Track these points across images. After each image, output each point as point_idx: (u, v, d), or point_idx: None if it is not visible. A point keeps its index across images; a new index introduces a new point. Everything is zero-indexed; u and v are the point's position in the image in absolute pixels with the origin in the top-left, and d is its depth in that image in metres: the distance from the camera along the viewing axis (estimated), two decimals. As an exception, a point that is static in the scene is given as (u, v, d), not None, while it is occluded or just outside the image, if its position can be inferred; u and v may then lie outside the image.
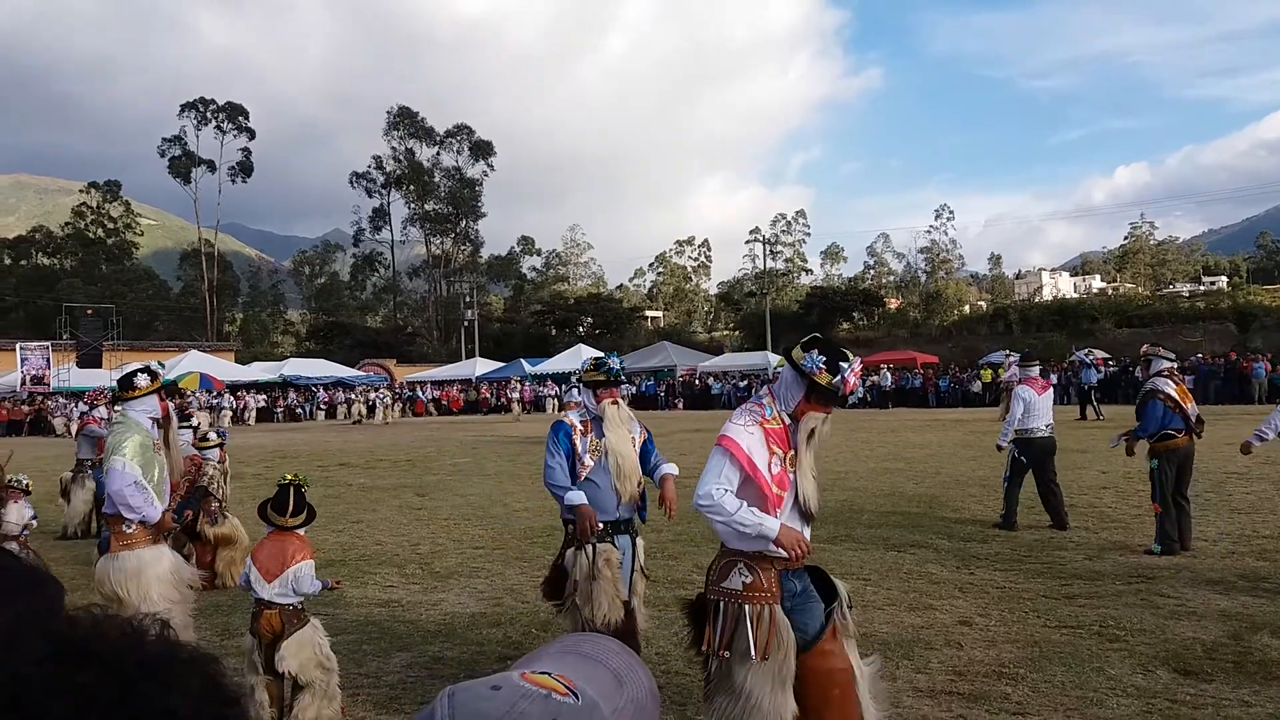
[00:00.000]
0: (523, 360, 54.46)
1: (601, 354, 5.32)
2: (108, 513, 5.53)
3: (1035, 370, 10.46)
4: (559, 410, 36.54)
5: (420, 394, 49.76)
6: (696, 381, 46.90)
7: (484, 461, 19.22)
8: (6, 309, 69.46)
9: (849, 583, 7.41)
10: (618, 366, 5.20)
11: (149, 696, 0.63)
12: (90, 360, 49.08)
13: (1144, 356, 9.32)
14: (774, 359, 47.67)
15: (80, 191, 79.98)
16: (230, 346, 65.70)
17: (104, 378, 46.09)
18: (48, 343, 47.64)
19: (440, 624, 6.66)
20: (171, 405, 6.27)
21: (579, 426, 5.08)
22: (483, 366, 55.26)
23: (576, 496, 4.96)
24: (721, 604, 3.73)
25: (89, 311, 53.36)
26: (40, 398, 42.11)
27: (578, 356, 52.67)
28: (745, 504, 3.61)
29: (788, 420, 3.79)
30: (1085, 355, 31.51)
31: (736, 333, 73.37)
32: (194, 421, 10.98)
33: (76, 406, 41.12)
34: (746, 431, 3.72)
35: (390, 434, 31.07)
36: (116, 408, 6.09)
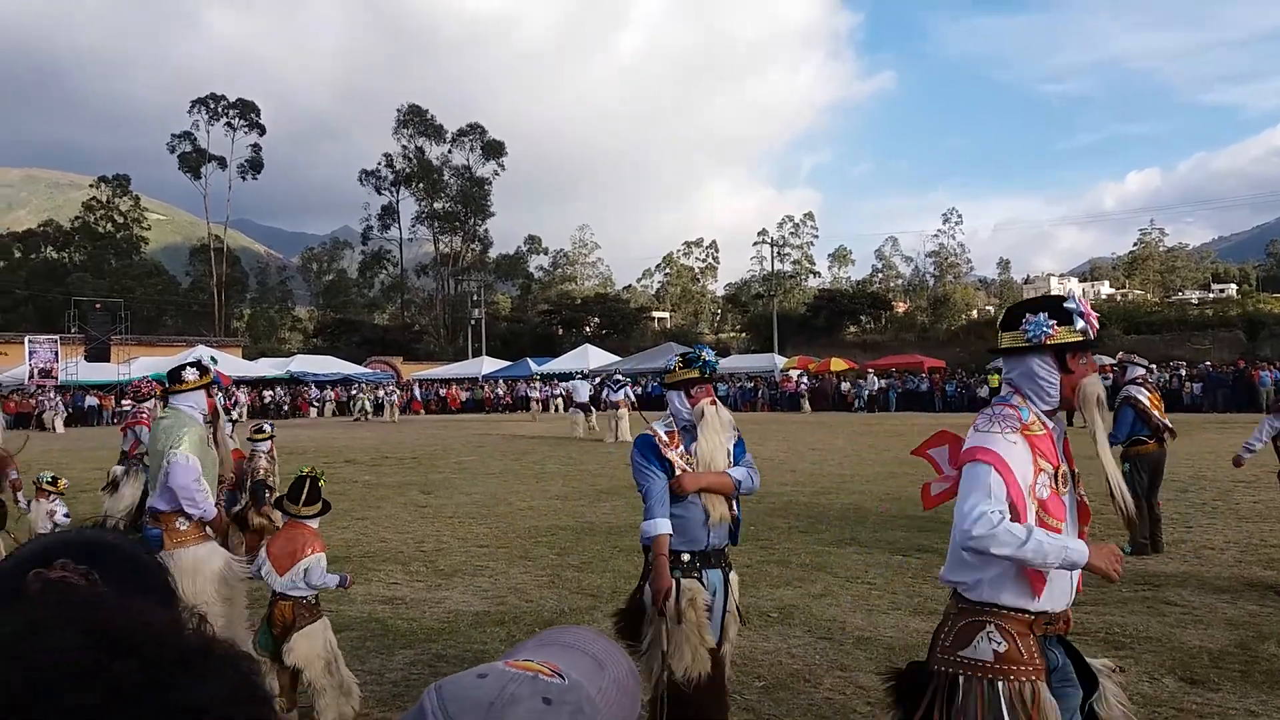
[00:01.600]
0: (529, 360, 54.51)
1: (688, 349, 4.46)
2: (160, 509, 5.33)
3: None
4: (568, 410, 36.79)
5: (417, 392, 49.48)
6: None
7: (489, 460, 19.23)
8: (16, 302, 69.73)
9: (855, 587, 7.42)
10: (713, 360, 4.35)
11: (181, 689, 0.64)
12: (98, 354, 49.24)
13: (1119, 363, 9.61)
14: (780, 361, 47.68)
15: (90, 186, 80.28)
16: (238, 342, 65.86)
17: (112, 371, 46.41)
18: (56, 336, 47.77)
19: (444, 622, 6.66)
20: (219, 401, 6.28)
21: (665, 438, 4.19)
22: (489, 365, 55.33)
23: (655, 526, 4.04)
24: (961, 679, 2.82)
25: (97, 305, 53.52)
26: (38, 391, 42.06)
27: (584, 357, 52.78)
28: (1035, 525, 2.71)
29: (1050, 424, 2.95)
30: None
31: (743, 335, 73.36)
32: (233, 416, 11.05)
33: (124, 404, 41.09)
34: (1007, 441, 2.80)
35: (396, 432, 31.11)
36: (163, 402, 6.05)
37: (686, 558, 4.09)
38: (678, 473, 4.11)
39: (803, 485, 13.92)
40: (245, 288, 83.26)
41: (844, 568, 8.15)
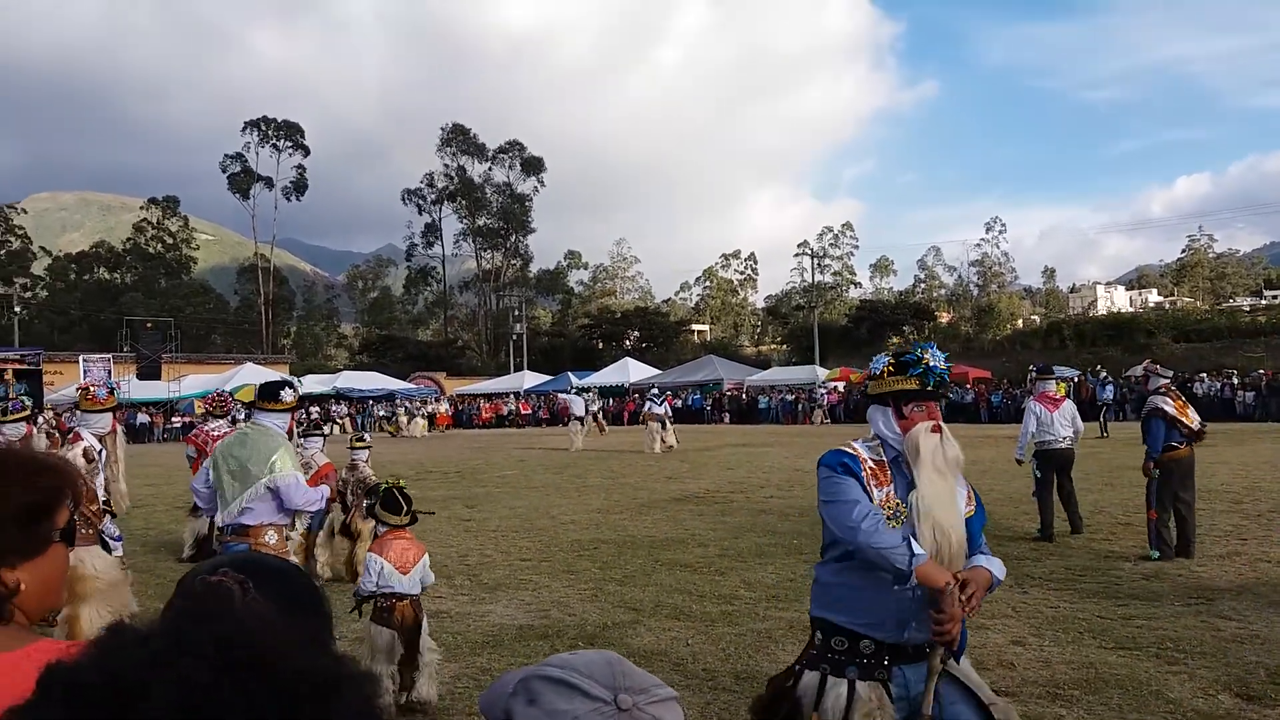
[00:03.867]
0: (570, 373, 54.73)
1: (909, 351, 3.18)
2: (248, 523, 5.35)
3: (1050, 386, 10.92)
4: (591, 422, 36.93)
5: (444, 407, 49.78)
6: (743, 396, 46.71)
7: (531, 474, 19.32)
8: (71, 322, 71.51)
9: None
10: (941, 366, 3.13)
11: (311, 715, 0.66)
12: (150, 372, 50.28)
13: (1144, 374, 9.78)
14: (822, 373, 47.40)
15: (140, 208, 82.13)
16: (285, 359, 66.88)
17: (163, 389, 47.36)
18: (109, 355, 48.86)
19: (488, 635, 6.70)
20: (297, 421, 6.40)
21: (871, 466, 3.08)
22: (531, 379, 55.63)
23: (908, 557, 2.83)
24: None
25: (148, 325, 54.70)
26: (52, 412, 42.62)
27: (625, 370, 52.92)
28: None
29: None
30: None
31: (784, 347, 73.09)
32: (325, 430, 11.27)
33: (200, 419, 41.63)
34: None
35: (441, 447, 31.37)
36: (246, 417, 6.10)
37: (868, 647, 2.94)
38: None
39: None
40: (292, 306, 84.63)
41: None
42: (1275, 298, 75.61)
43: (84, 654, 0.69)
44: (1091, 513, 11.04)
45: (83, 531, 6.78)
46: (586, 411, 30.13)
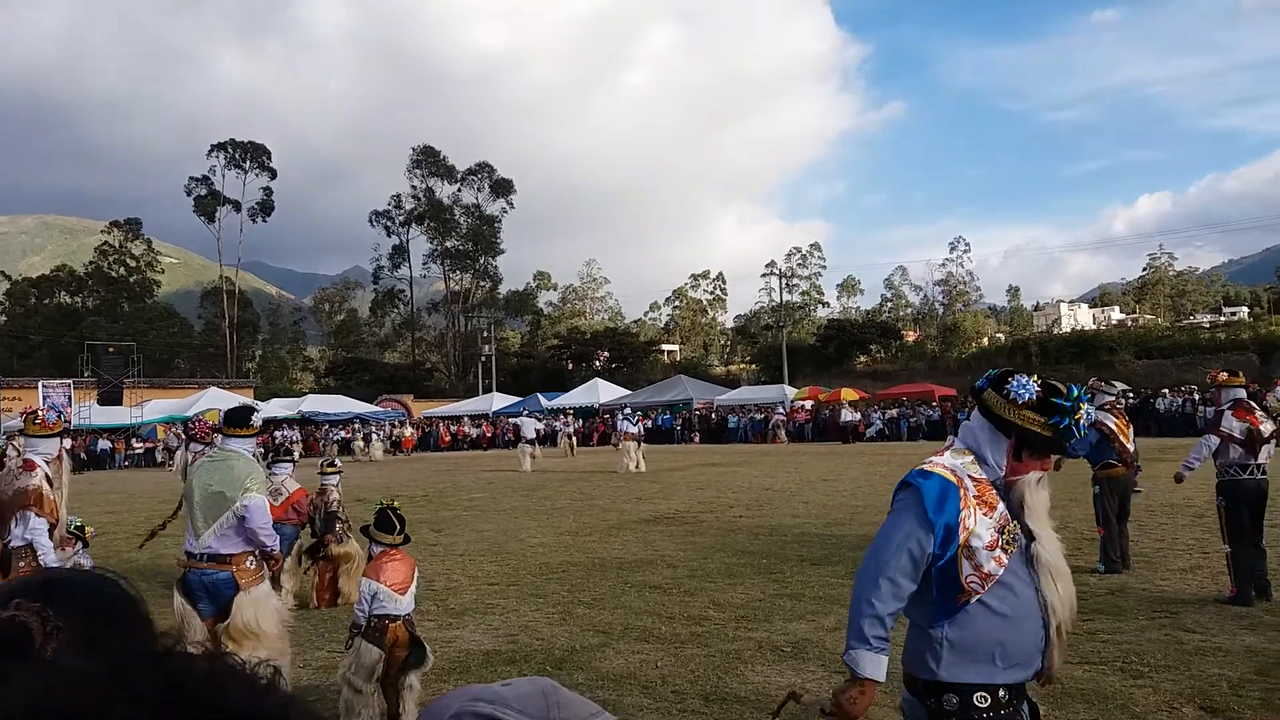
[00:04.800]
0: (539, 394, 54.55)
1: (1065, 393, 2.70)
2: (230, 551, 5.43)
3: None
4: (569, 443, 36.87)
5: (406, 431, 49.43)
6: (713, 415, 46.77)
7: (500, 497, 19.19)
8: (31, 348, 70.27)
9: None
10: (1086, 426, 2.72)
11: None
12: (111, 398, 49.46)
13: (1089, 390, 9.84)
14: (791, 392, 47.60)
15: (102, 231, 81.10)
16: (249, 383, 66.18)
17: (124, 415, 46.62)
18: (70, 380, 48.06)
19: (454, 661, 6.62)
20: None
21: (973, 490, 2.67)
22: (500, 401, 55.37)
23: (867, 662, 2.68)
24: None
25: (110, 350, 53.85)
26: None
27: (595, 391, 52.83)
28: None
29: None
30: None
31: (753, 366, 73.30)
32: (294, 455, 11.19)
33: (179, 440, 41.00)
34: None
35: (404, 470, 31.11)
36: (220, 442, 6.14)
37: (1004, 696, 2.62)
38: (990, 567, 2.59)
39: (815, 516, 13.85)
40: (257, 329, 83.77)
41: (857, 600, 8.07)
42: (1234, 314, 77.00)
43: (13, 693, 0.64)
44: (1055, 528, 11.11)
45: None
46: (537, 434, 30.77)
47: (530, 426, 30.15)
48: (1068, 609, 2.68)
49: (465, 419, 52.21)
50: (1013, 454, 2.70)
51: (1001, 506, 2.66)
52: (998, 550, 2.59)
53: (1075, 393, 2.68)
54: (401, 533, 5.47)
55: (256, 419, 5.88)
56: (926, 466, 2.74)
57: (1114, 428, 9.15)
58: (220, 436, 6.07)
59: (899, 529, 2.66)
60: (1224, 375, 8.63)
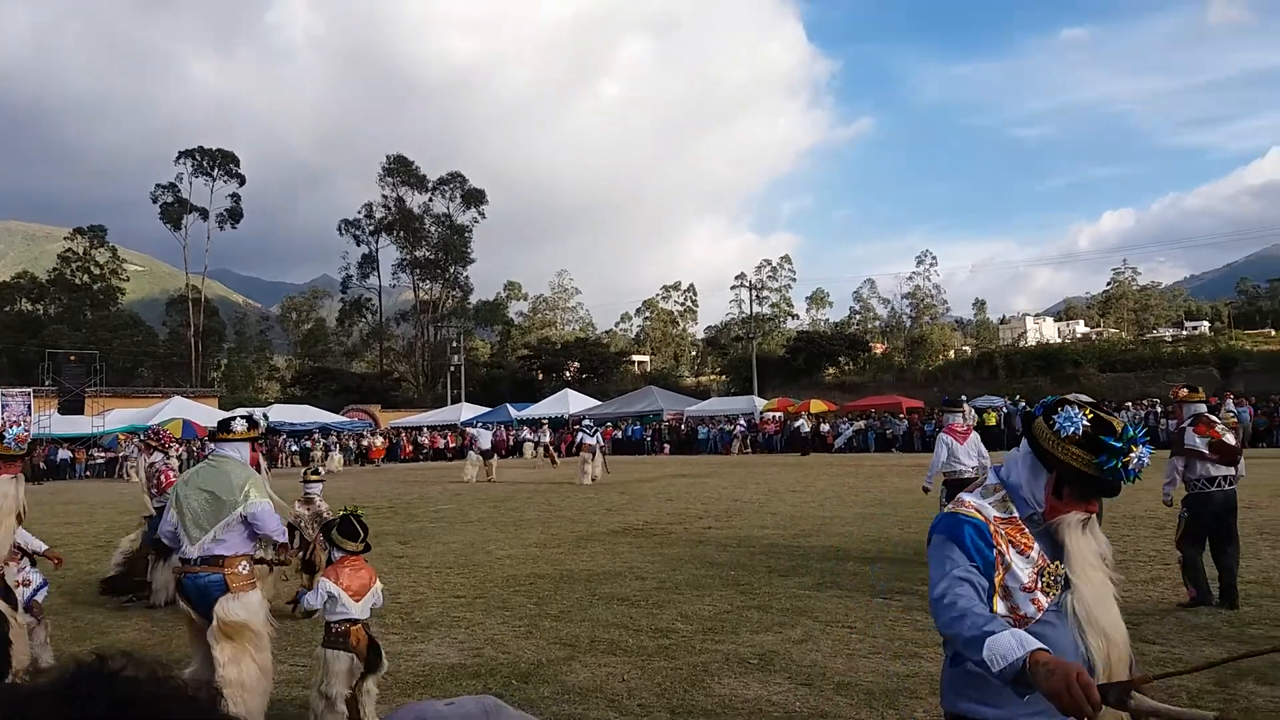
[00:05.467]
0: (509, 405, 54.35)
1: (1118, 431, 2.43)
2: (224, 554, 5.47)
3: (957, 418, 11.31)
4: (540, 454, 36.71)
5: (377, 441, 49.05)
6: (683, 426, 46.81)
7: (467, 508, 19.07)
8: (-10, 355, 69.04)
9: (836, 631, 7.37)
10: (1137, 471, 2.46)
11: None
12: (73, 407, 48.73)
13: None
14: (760, 403, 47.77)
15: (65, 238, 79.90)
16: (214, 393, 65.33)
17: (86, 424, 45.91)
18: (29, 389, 47.24)
19: (419, 675, 6.55)
20: (261, 456, 6.54)
21: (1005, 529, 2.51)
22: (469, 411, 55.10)
23: (1014, 643, 2.17)
24: None
25: (72, 358, 53.07)
26: None
27: (565, 401, 52.72)
28: None
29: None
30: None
31: (723, 377, 73.52)
32: (264, 465, 11.12)
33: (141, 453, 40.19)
34: None
35: (371, 480, 30.85)
36: (211, 447, 6.26)
37: None
38: (1027, 610, 2.42)
39: (783, 528, 13.88)
40: (223, 338, 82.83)
41: (825, 611, 8.10)
42: (1195, 329, 78.33)
43: None
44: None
45: None
46: (493, 446, 30.98)
47: (487, 438, 30.25)
48: (1112, 668, 2.39)
49: (425, 428, 52.02)
50: (1052, 491, 2.49)
51: (1038, 547, 2.47)
52: (1036, 593, 2.42)
53: (1130, 433, 2.42)
54: (364, 541, 5.52)
55: (238, 424, 5.96)
56: (953, 507, 2.57)
57: None
58: (214, 444, 6.18)
59: (946, 575, 2.43)
60: (1184, 391, 8.71)
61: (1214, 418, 8.49)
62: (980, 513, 2.50)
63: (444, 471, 34.60)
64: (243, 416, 6.13)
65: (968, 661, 2.33)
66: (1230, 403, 30.44)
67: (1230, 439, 8.24)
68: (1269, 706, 5.34)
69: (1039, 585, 2.43)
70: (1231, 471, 8.17)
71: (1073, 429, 2.43)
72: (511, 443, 46.74)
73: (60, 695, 0.66)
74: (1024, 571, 2.43)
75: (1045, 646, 2.15)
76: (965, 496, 2.59)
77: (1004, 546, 2.44)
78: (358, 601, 5.21)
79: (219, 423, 6.16)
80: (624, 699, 5.83)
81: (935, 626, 2.44)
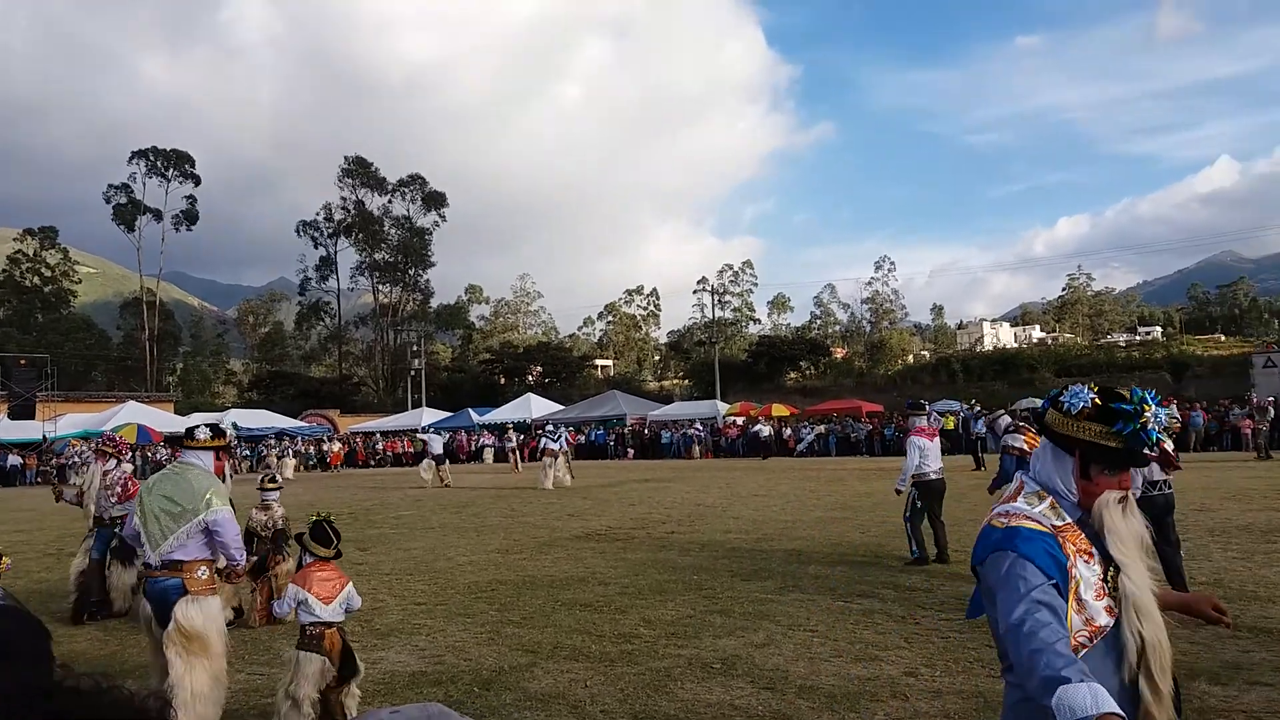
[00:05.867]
0: (470, 410, 54.03)
1: (1125, 397, 2.43)
2: (183, 559, 5.52)
3: (923, 420, 11.68)
4: (513, 460, 36.57)
5: (334, 446, 48.55)
6: (646, 431, 46.84)
7: (429, 514, 18.92)
8: (-65, 359, 67.36)
9: (798, 634, 7.40)
10: (1156, 429, 2.39)
11: None
12: (23, 411, 47.66)
13: (989, 423, 11.04)
14: (723, 407, 47.93)
15: (15, 239, 78.22)
16: (169, 397, 64.30)
17: (36, 430, 44.93)
18: (-22, 393, 46.21)
19: (379, 683, 6.48)
20: (227, 465, 6.56)
21: (1067, 534, 2.37)
22: (430, 416, 54.71)
23: (1089, 700, 2.00)
24: None
25: (22, 361, 51.89)
26: None
27: (527, 405, 52.52)
28: None
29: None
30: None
31: (686, 381, 73.68)
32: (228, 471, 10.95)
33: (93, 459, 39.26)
34: None
35: (329, 486, 30.52)
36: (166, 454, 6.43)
37: None
38: (1102, 620, 2.30)
39: (745, 532, 13.92)
40: (178, 341, 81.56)
41: (786, 615, 8.13)
42: (1148, 334, 79.81)
43: None
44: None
45: None
46: (445, 451, 31.99)
47: (439, 443, 30.96)
48: (1159, 661, 2.29)
49: (378, 434, 51.69)
50: (1079, 473, 2.41)
51: (1098, 552, 2.35)
52: (1106, 599, 2.30)
53: (1138, 394, 2.40)
54: (335, 546, 5.58)
55: (201, 432, 5.96)
56: (1011, 521, 2.37)
57: (1025, 446, 9.62)
58: (180, 450, 6.20)
59: (1023, 597, 2.23)
60: None
61: None
62: (1041, 523, 2.36)
63: (404, 477, 34.31)
64: (207, 425, 6.12)
65: (1033, 699, 2.18)
66: (1173, 407, 31.11)
67: (1168, 445, 8.36)
68: (1221, 706, 5.44)
69: (1106, 591, 2.32)
70: (1169, 476, 8.37)
71: (1081, 404, 2.42)
72: (473, 448, 46.53)
73: None
74: (1092, 579, 2.32)
75: (1119, 712, 1.99)
76: (1014, 508, 2.42)
77: (1072, 556, 2.32)
78: (328, 605, 5.24)
79: (185, 430, 6.18)
80: (587, 705, 5.81)
81: (1003, 655, 2.29)
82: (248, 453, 45.21)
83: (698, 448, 42.10)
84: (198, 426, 6.09)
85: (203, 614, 5.41)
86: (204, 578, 5.54)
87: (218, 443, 5.99)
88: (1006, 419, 10.35)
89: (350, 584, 5.51)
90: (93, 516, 9.80)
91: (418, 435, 41.29)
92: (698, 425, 44.62)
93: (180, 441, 6.25)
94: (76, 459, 35.46)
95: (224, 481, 6.19)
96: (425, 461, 29.06)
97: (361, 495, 25.05)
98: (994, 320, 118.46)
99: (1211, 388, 42.73)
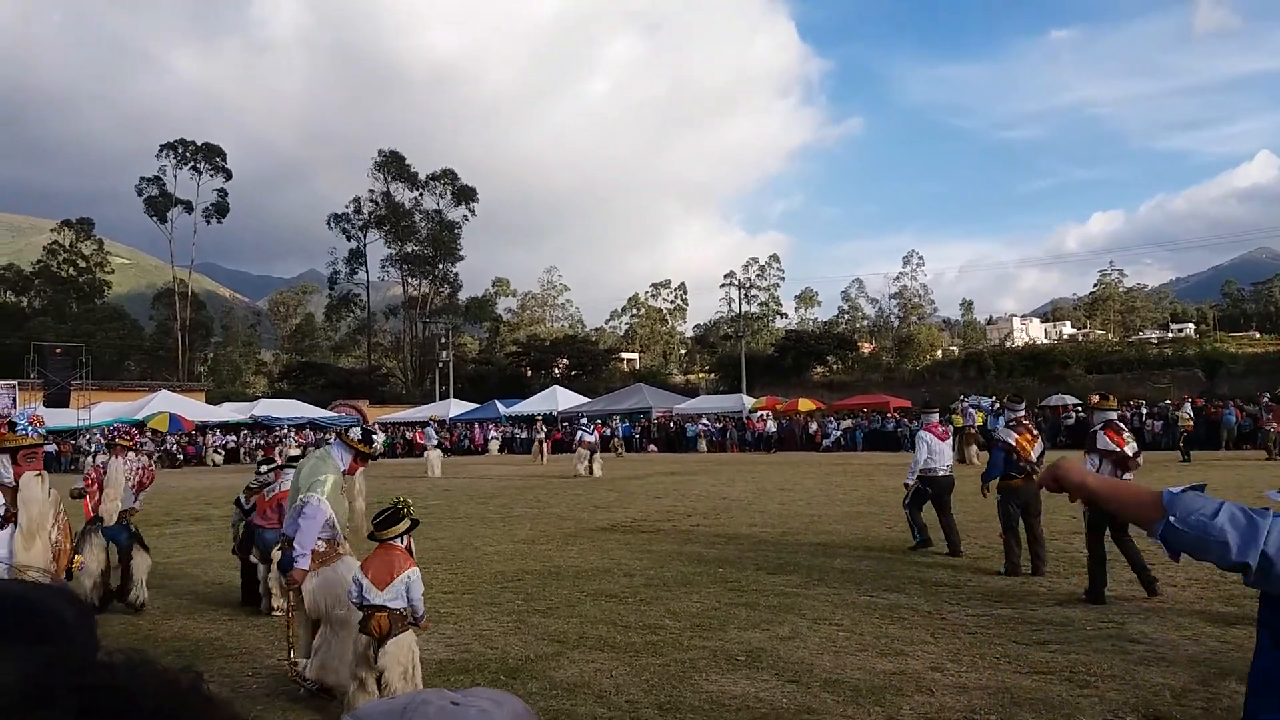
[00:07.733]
0: (497, 401, 54.26)
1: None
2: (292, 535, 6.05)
3: (935, 417, 12.01)
4: (538, 451, 36.68)
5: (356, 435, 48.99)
6: (672, 424, 46.81)
7: (456, 504, 19.06)
8: (-27, 347, 68.56)
9: (823, 628, 7.41)
10: None
11: None
12: (58, 399, 48.45)
13: (1003, 406, 10.80)
14: (749, 401, 47.83)
15: (52, 230, 79.41)
16: (201, 387, 65.12)
17: (71, 417, 45.65)
18: (14, 382, 46.96)
19: (407, 670, 6.54)
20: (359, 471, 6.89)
21: None
22: (457, 407, 55.00)
23: None
24: None
25: (57, 350, 52.77)
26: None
27: (553, 398, 52.65)
28: None
29: None
30: (979, 402, 34.51)
31: (712, 375, 73.59)
32: (275, 459, 11.08)
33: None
34: None
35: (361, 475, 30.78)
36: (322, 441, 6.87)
37: None
38: None
39: (771, 525, 13.91)
40: (210, 332, 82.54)
41: (812, 609, 8.13)
42: (1181, 331, 78.85)
43: None
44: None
45: None
46: (441, 442, 35.76)
47: (434, 436, 34.42)
48: None
49: (395, 425, 52.20)
50: None
51: None
52: None
53: None
54: (394, 525, 5.50)
55: (355, 432, 6.50)
56: None
57: (1015, 443, 9.81)
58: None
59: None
60: (1096, 398, 9.79)
61: (1122, 425, 9.19)
62: None
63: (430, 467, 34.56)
64: (365, 428, 6.69)
65: None
66: (1188, 405, 31.00)
67: (1131, 448, 8.93)
68: (1251, 705, 5.39)
69: None
70: (1131, 475, 8.78)
71: None
72: (484, 440, 47.32)
73: (26, 683, 0.63)
74: None
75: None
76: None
77: None
78: (381, 589, 5.29)
79: (349, 426, 6.76)
80: (612, 695, 5.84)
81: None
82: (262, 441, 45.61)
83: (703, 442, 42.61)
84: (352, 428, 6.62)
85: (336, 585, 5.97)
86: (319, 550, 6.07)
87: (362, 447, 6.44)
88: (1013, 414, 10.40)
89: (413, 572, 5.38)
90: (118, 512, 9.53)
91: (422, 429, 43.36)
92: (704, 419, 44.84)
93: (337, 433, 6.76)
94: (88, 448, 36.06)
95: (358, 478, 6.74)
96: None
97: (389, 485, 25.24)
98: (1024, 316, 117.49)
99: (1246, 385, 42.10)
